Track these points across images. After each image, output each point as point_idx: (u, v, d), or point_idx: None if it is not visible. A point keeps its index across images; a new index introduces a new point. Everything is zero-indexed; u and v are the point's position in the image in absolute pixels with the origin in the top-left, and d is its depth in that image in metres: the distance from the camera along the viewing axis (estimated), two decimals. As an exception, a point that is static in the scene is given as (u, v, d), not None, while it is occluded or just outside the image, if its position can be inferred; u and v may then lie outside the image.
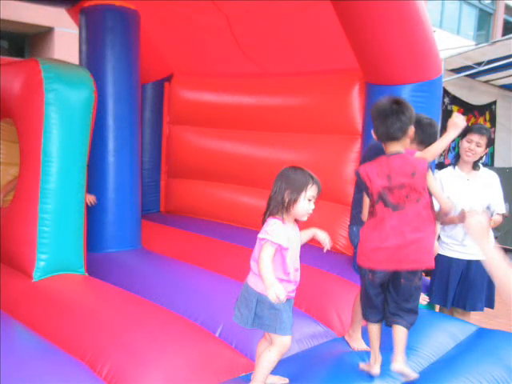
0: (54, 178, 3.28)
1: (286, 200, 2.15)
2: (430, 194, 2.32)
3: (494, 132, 9.85)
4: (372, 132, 2.44)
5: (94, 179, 3.98)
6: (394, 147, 2.35)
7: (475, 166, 3.48)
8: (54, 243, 3.32)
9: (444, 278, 3.48)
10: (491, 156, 9.91)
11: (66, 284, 3.30)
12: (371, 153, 2.73)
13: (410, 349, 2.55)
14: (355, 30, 3.48)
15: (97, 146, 3.89)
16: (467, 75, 8.86)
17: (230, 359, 2.55)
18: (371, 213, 2.35)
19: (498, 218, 3.39)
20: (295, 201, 2.15)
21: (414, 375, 2.35)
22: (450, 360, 2.69)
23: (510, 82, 9.81)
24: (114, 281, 3.41)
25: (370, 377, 2.38)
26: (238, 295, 2.28)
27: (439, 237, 3.50)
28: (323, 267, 3.71)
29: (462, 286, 3.46)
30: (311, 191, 2.17)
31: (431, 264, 2.33)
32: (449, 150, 9.06)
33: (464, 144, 3.42)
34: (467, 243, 3.34)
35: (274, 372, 2.30)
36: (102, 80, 3.94)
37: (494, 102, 10.14)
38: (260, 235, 2.16)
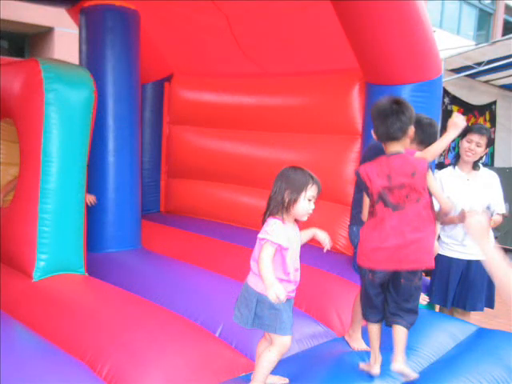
0: (53, 178, 3.28)
1: (286, 200, 2.15)
2: (430, 194, 2.32)
3: (494, 132, 9.85)
4: (372, 132, 2.44)
5: (94, 179, 3.98)
6: (394, 147, 2.35)
7: (475, 166, 3.48)
8: (54, 243, 3.32)
9: (444, 278, 3.48)
10: (491, 156, 9.91)
11: (66, 284, 3.29)
12: (371, 153, 2.73)
13: (409, 349, 2.55)
14: (355, 30, 3.48)
15: (97, 146, 3.89)
16: (467, 75, 8.86)
17: (230, 359, 2.55)
18: (371, 213, 2.35)
19: (497, 218, 3.39)
20: (295, 201, 2.15)
21: (413, 375, 2.35)
22: (449, 360, 2.69)
23: (509, 82, 9.81)
24: (114, 281, 3.41)
25: (370, 377, 2.38)
26: (238, 295, 2.28)
27: (439, 237, 3.50)
28: (323, 267, 3.71)
29: (462, 285, 3.46)
30: (311, 191, 2.17)
31: (431, 264, 2.33)
32: (449, 149, 9.06)
33: (464, 144, 3.42)
34: (467, 243, 3.34)
35: (274, 372, 2.30)
36: (101, 80, 3.94)
37: (494, 102, 10.14)
38: (260, 235, 2.16)
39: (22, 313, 2.94)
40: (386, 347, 2.42)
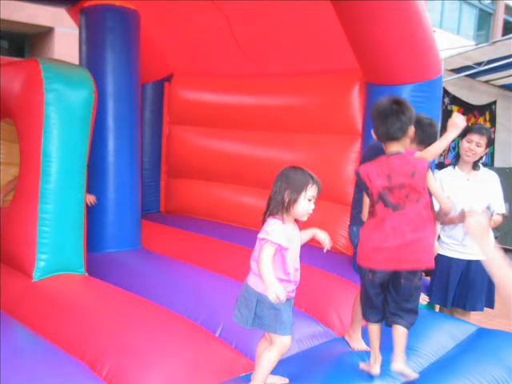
0: (53, 178, 3.28)
1: (286, 200, 2.15)
2: (430, 194, 2.32)
3: (494, 132, 9.85)
4: (372, 132, 2.44)
5: (94, 179, 3.98)
6: (394, 147, 2.35)
7: (475, 166, 3.48)
8: (54, 243, 3.32)
9: (444, 278, 3.48)
10: (491, 156, 9.92)
11: (66, 284, 3.29)
12: (371, 153, 2.73)
13: (410, 349, 2.55)
14: (355, 30, 3.48)
15: (97, 146, 3.89)
16: (467, 75, 8.86)
17: (230, 359, 2.55)
18: (371, 213, 2.35)
19: (498, 218, 3.39)
20: (295, 201, 2.15)
21: (414, 375, 2.35)
22: (450, 360, 2.69)
23: (510, 82, 9.81)
24: (114, 281, 3.41)
25: (370, 377, 2.38)
26: (238, 295, 2.28)
27: (439, 237, 3.50)
28: (323, 267, 3.71)
29: (462, 285, 3.46)
30: (311, 191, 2.17)
31: (431, 264, 2.33)
32: (449, 149, 9.06)
33: (464, 144, 3.42)
34: (467, 243, 3.34)
35: (274, 372, 2.30)
36: (101, 80, 3.94)
37: (494, 102, 10.15)
38: (260, 235, 2.16)
39: (22, 313, 2.94)
40: (386, 347, 2.42)
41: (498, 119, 10.22)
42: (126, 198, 4.24)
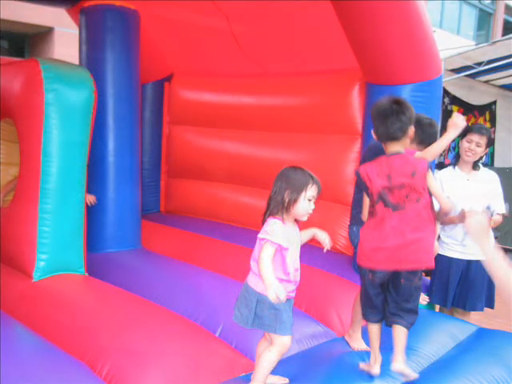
0: (53, 178, 3.28)
1: (286, 200, 2.15)
2: (430, 194, 2.32)
3: (494, 132, 9.85)
4: (372, 132, 2.44)
5: (94, 179, 3.98)
6: (394, 147, 2.35)
7: (475, 166, 3.48)
8: (54, 243, 3.32)
9: (444, 278, 3.48)
10: (491, 156, 9.92)
11: (66, 284, 3.29)
12: (371, 153, 2.74)
13: (409, 349, 2.55)
14: (355, 30, 3.48)
15: (97, 146, 3.89)
16: (467, 75, 8.86)
17: (230, 359, 2.55)
18: (371, 213, 2.35)
19: (498, 218, 3.39)
20: (295, 201, 2.15)
21: (414, 375, 2.35)
22: (450, 360, 2.69)
23: (510, 82, 9.81)
24: (113, 281, 3.40)
25: (370, 377, 2.38)
26: (237, 295, 2.28)
27: (439, 237, 3.50)
28: (323, 267, 3.71)
29: (462, 285, 3.46)
30: (311, 191, 2.17)
31: (431, 264, 2.33)
32: (449, 149, 9.06)
33: (464, 144, 3.43)
34: (467, 243, 3.33)
35: (274, 372, 2.30)
36: (102, 80, 3.94)
37: (494, 102, 10.15)
38: (260, 235, 2.16)
39: (22, 313, 2.94)
40: (386, 347, 2.42)
41: (498, 119, 10.22)
42: (126, 198, 4.24)
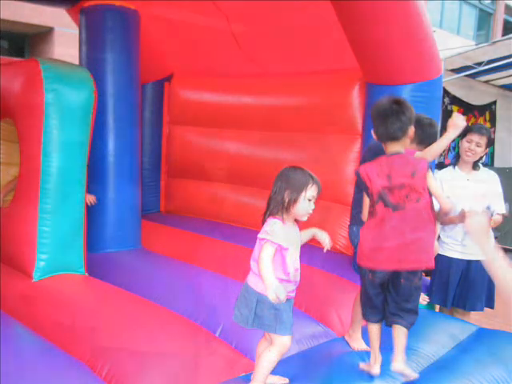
0: (53, 178, 3.28)
1: (286, 200, 2.15)
2: (430, 194, 2.32)
3: (494, 132, 9.85)
4: (372, 132, 2.44)
5: (94, 179, 3.98)
6: (394, 147, 2.35)
7: (475, 165, 3.48)
8: (54, 243, 3.32)
9: (444, 278, 3.48)
10: (491, 156, 9.92)
11: (66, 284, 3.29)
12: (371, 153, 2.74)
13: (409, 349, 2.55)
14: (355, 30, 3.48)
15: (97, 146, 3.88)
16: (467, 75, 8.86)
17: (230, 359, 2.55)
18: (371, 213, 2.35)
19: (498, 218, 3.39)
20: (295, 201, 2.15)
21: (414, 375, 2.35)
22: (450, 360, 2.69)
23: (510, 82, 9.82)
24: (113, 281, 3.40)
25: (370, 377, 2.38)
26: (237, 295, 2.28)
27: (439, 237, 3.50)
28: (323, 267, 3.71)
29: (462, 286, 3.46)
30: (311, 191, 2.17)
31: (431, 264, 2.33)
32: (449, 149, 9.06)
33: (464, 144, 3.43)
34: (467, 243, 3.34)
35: (274, 372, 2.30)
36: (102, 80, 3.94)
37: (494, 102, 10.15)
38: (260, 235, 2.16)
39: (22, 313, 2.93)
40: (386, 347, 2.42)
41: (498, 119, 10.22)
42: (126, 198, 4.24)
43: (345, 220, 4.05)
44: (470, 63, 8.56)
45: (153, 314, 2.86)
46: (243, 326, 2.22)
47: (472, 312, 3.60)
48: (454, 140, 2.61)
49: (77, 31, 4.39)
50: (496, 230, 3.72)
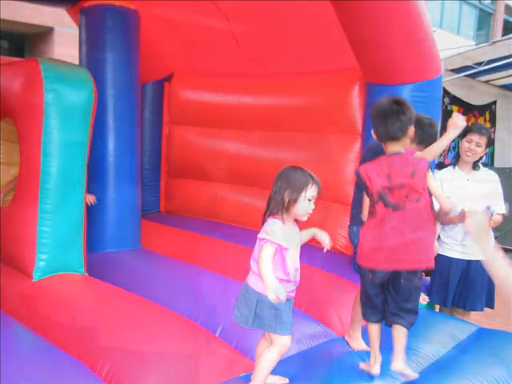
0: (53, 178, 3.28)
1: (286, 200, 2.15)
2: (430, 194, 2.32)
3: (494, 132, 9.85)
4: (372, 132, 2.44)
5: (94, 179, 3.98)
6: (394, 147, 2.35)
7: (475, 165, 3.48)
8: (54, 243, 3.32)
9: (444, 278, 3.48)
10: (491, 156, 9.92)
11: (66, 284, 3.29)
12: (371, 153, 2.73)
13: (409, 349, 2.55)
14: (355, 30, 3.48)
15: (97, 146, 3.88)
16: (467, 75, 8.86)
17: (230, 359, 2.55)
18: (371, 213, 2.35)
19: (498, 218, 3.39)
20: (295, 201, 2.15)
21: (414, 375, 2.35)
22: (450, 360, 2.69)
23: (510, 82, 9.82)
24: (113, 281, 3.40)
25: (370, 377, 2.38)
26: (237, 295, 2.28)
27: (439, 237, 3.50)
28: (323, 267, 3.71)
29: (462, 286, 3.46)
30: (311, 191, 2.17)
31: (431, 264, 2.33)
32: (449, 149, 9.06)
33: (464, 144, 3.43)
34: (467, 243, 3.34)
35: (274, 372, 2.30)
36: (102, 80, 3.94)
37: (494, 102, 10.15)
38: (260, 235, 2.16)
39: (22, 313, 2.94)
40: (386, 347, 2.42)
41: (498, 119, 10.22)
42: (126, 198, 4.24)
43: (345, 220, 4.05)
44: (470, 63, 8.56)
45: (153, 314, 2.86)
46: (243, 325, 2.22)
47: (472, 312, 3.60)
48: (454, 140, 2.61)
49: (77, 31, 4.39)
50: (496, 230, 3.72)
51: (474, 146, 3.38)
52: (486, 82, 9.78)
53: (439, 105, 3.86)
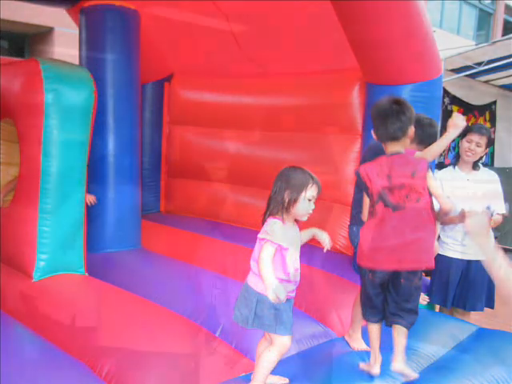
0: (53, 178, 3.28)
1: (286, 200, 2.15)
2: (430, 194, 2.32)
3: (494, 132, 9.85)
4: (372, 132, 2.44)
5: (94, 179, 3.98)
6: (394, 147, 2.35)
7: (475, 165, 3.48)
8: (54, 243, 3.32)
9: (444, 278, 3.48)
10: (491, 156, 9.91)
11: (66, 284, 3.29)
12: (371, 153, 2.74)
13: (409, 349, 2.55)
14: (355, 30, 3.48)
15: (97, 146, 3.88)
16: (467, 75, 8.85)
17: (230, 359, 2.55)
18: (371, 213, 2.35)
19: (498, 218, 3.39)
20: (295, 201, 2.15)
21: (414, 375, 2.36)
22: (450, 360, 2.69)
23: (510, 82, 9.81)
24: (113, 281, 3.40)
25: (370, 377, 2.38)
26: (237, 295, 2.28)
27: (439, 237, 3.50)
28: (323, 267, 3.71)
29: (462, 286, 3.46)
30: (311, 191, 2.17)
31: (431, 264, 2.33)
32: (449, 149, 9.06)
33: (464, 144, 3.43)
34: (467, 243, 3.34)
35: (274, 372, 2.30)
36: (102, 80, 3.94)
37: (494, 102, 10.14)
38: (260, 235, 2.16)
39: (22, 313, 2.94)
40: (386, 347, 2.42)
41: (498, 119, 10.22)
42: (126, 198, 4.24)
43: (345, 220, 4.05)
44: (470, 63, 8.55)
45: (153, 314, 2.86)
46: (243, 325, 2.22)
47: (472, 312, 3.61)
48: (454, 140, 2.61)
49: (77, 31, 4.39)
50: (496, 230, 3.72)
51: (474, 145, 3.38)
52: (486, 82, 9.77)
53: (439, 105, 3.86)
